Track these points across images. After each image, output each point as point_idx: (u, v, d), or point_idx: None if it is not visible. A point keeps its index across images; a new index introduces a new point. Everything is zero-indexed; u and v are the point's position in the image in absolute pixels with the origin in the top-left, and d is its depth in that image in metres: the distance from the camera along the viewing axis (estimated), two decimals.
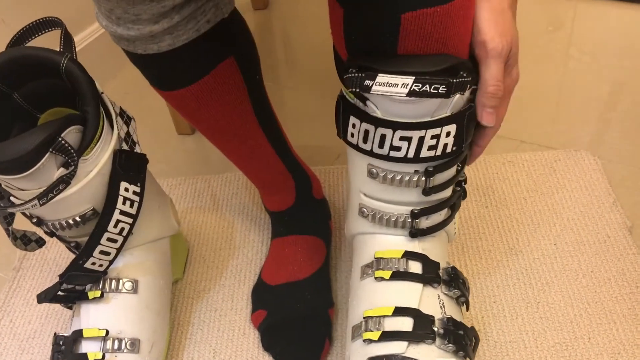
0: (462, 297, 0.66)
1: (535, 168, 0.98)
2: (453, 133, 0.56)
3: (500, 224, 0.91)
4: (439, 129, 0.55)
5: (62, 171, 0.62)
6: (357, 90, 0.52)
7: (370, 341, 0.62)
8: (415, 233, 0.64)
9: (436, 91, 0.51)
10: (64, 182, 0.61)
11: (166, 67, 0.66)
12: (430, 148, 0.56)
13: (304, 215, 0.85)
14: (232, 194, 1.02)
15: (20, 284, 0.93)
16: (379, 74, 0.51)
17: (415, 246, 0.64)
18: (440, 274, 0.64)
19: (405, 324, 0.61)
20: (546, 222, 0.90)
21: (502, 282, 0.83)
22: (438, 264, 0.64)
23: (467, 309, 0.69)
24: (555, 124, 1.08)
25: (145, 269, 0.76)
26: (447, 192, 0.63)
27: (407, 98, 0.51)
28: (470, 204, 0.94)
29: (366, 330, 0.62)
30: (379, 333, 0.61)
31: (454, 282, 0.65)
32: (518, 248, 0.87)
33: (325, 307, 0.80)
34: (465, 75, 0.52)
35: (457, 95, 0.54)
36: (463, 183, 0.68)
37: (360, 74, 0.51)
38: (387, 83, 0.51)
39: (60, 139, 0.60)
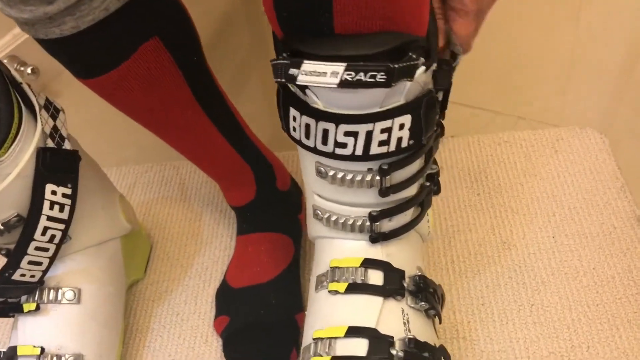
0: (431, 309, 0.57)
1: (534, 149, 0.88)
2: (408, 125, 0.46)
3: (493, 214, 0.81)
4: (390, 121, 0.46)
5: None
6: (283, 80, 0.43)
7: None
8: (377, 237, 0.55)
9: (373, 80, 0.41)
10: None
11: (76, 53, 0.57)
12: (382, 143, 0.47)
13: (267, 211, 0.76)
14: (201, 183, 0.93)
15: None
16: (305, 62, 0.41)
17: (378, 252, 0.56)
18: (406, 284, 0.56)
19: (359, 347, 0.53)
20: (544, 211, 0.80)
21: (492, 282, 0.75)
22: (403, 272, 0.56)
23: (440, 322, 0.60)
24: (559, 97, 0.97)
25: (90, 275, 0.69)
26: (411, 191, 0.54)
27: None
28: (460, 191, 0.85)
29: (315, 354, 0.54)
30: (329, 358, 0.53)
31: (422, 293, 0.56)
32: (512, 242, 0.78)
33: (293, 312, 0.72)
34: (414, 57, 0.43)
35: (411, 82, 0.44)
36: (436, 176, 0.59)
37: (285, 61, 0.42)
38: (315, 72, 0.41)
39: None
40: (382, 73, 0.41)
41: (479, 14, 0.50)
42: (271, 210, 0.77)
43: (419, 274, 0.57)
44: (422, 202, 0.56)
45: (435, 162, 0.59)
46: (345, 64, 0.41)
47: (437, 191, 0.60)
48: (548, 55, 1.04)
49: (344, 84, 0.42)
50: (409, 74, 0.43)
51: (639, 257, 0.74)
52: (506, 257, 0.77)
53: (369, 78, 0.41)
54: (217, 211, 0.89)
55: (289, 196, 0.79)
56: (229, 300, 0.75)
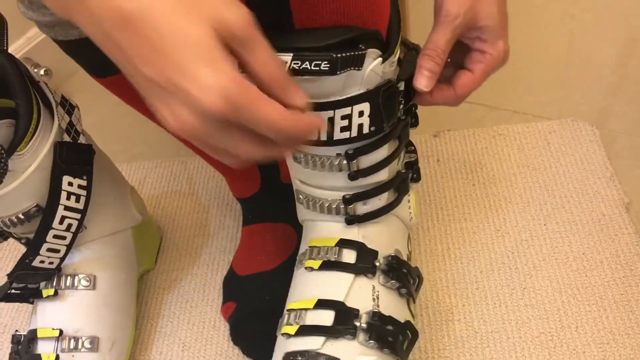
0: (402, 288, 0.61)
1: (527, 141, 0.92)
2: (367, 112, 0.50)
3: (487, 203, 0.85)
4: (349, 108, 0.50)
5: None
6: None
7: (289, 335, 0.58)
8: (352, 219, 0.59)
9: (317, 68, 0.46)
10: None
11: (93, 53, 0.61)
12: (343, 129, 0.51)
13: (271, 202, 0.80)
14: (208, 177, 0.97)
15: None
16: None
17: (354, 234, 0.60)
18: (378, 264, 0.59)
19: (326, 317, 0.57)
20: (537, 200, 0.84)
21: (486, 267, 0.78)
22: (376, 252, 0.60)
23: (414, 302, 0.64)
24: (552, 91, 1.00)
25: (104, 263, 0.73)
26: (382, 175, 0.57)
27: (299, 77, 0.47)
28: (456, 182, 0.88)
29: (287, 324, 0.59)
30: (297, 327, 0.58)
31: (394, 272, 0.60)
32: (505, 229, 0.82)
33: None
34: (362, 47, 0.46)
35: (368, 70, 0.48)
36: (414, 164, 0.62)
37: None
38: None
39: None
40: (326, 62, 0.46)
41: (481, 73, 0.55)
42: (275, 202, 0.81)
43: (393, 254, 0.61)
44: (398, 188, 0.60)
45: (414, 151, 0.63)
46: (292, 54, 0.45)
47: (417, 179, 0.63)
48: (543, 51, 1.08)
49: (292, 73, 0.46)
50: (355, 63, 0.47)
51: (626, 243, 0.77)
52: (500, 243, 0.80)
53: (314, 67, 0.46)
54: (223, 204, 0.93)
55: (292, 188, 0.83)
56: (235, 287, 0.79)
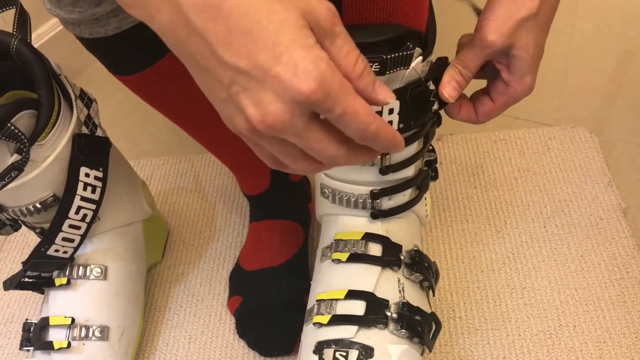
0: (425, 281, 0.63)
1: (528, 146, 0.94)
2: (397, 110, 0.52)
3: (489, 206, 0.87)
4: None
5: (15, 157, 0.60)
6: None
7: (320, 325, 0.60)
8: (377, 214, 0.61)
9: None
10: (16, 169, 0.59)
11: (117, 51, 0.63)
12: None
13: (280, 199, 0.82)
14: (215, 175, 0.99)
15: (1, 267, 0.92)
16: None
17: (378, 228, 0.62)
18: (402, 257, 0.62)
19: (357, 307, 0.59)
20: (537, 203, 0.86)
21: (487, 267, 0.80)
22: (400, 246, 0.62)
23: (433, 294, 0.66)
24: (553, 99, 1.03)
25: (115, 254, 0.75)
26: (409, 171, 0.59)
27: None
28: (458, 184, 0.90)
29: (317, 313, 0.60)
30: (329, 316, 0.59)
31: (417, 265, 0.62)
32: (506, 231, 0.84)
33: (302, 293, 0.77)
34: (411, 46, 0.49)
35: (410, 67, 0.50)
36: (434, 163, 0.64)
37: None
38: None
39: (9, 124, 0.58)
40: (377, 63, 0.47)
41: (503, 102, 0.56)
42: (283, 199, 0.83)
43: (415, 249, 0.63)
44: (420, 184, 0.62)
45: (433, 150, 0.65)
46: None
47: (435, 177, 0.65)
48: (544, 60, 1.10)
49: None
50: (404, 62, 0.49)
51: (623, 246, 0.79)
52: (500, 245, 0.82)
53: None
54: (229, 201, 0.95)
55: (300, 186, 0.85)
56: (241, 282, 0.81)
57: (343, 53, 0.38)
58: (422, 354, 0.62)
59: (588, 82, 1.05)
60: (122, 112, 1.15)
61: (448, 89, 0.54)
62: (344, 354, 0.58)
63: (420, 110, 0.55)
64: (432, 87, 0.55)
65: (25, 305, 0.86)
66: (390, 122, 0.53)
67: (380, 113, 0.52)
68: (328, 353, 0.59)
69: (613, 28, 1.14)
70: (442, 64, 0.56)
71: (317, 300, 0.61)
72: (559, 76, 1.07)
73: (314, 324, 0.61)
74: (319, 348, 0.60)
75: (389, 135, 0.40)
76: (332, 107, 0.36)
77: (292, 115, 0.36)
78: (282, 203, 0.82)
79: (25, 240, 0.95)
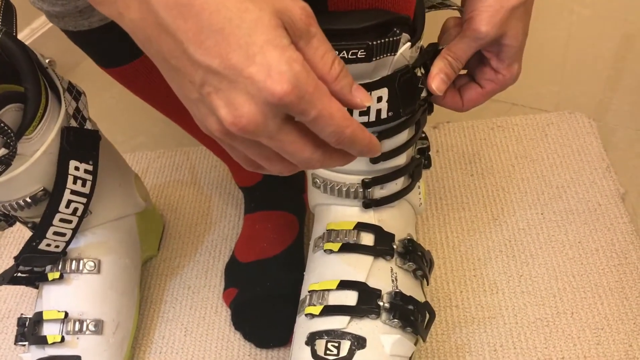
0: (418, 270, 0.62)
1: (525, 133, 0.93)
2: (385, 98, 0.51)
3: (485, 193, 0.86)
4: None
5: (2, 152, 0.59)
6: None
7: (312, 316, 0.59)
8: (369, 203, 0.60)
9: (354, 57, 0.47)
10: (3, 163, 0.59)
11: (103, 43, 0.62)
12: (362, 114, 0.52)
13: (274, 190, 0.82)
14: (210, 167, 0.99)
15: None
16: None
17: (371, 217, 0.61)
18: (395, 246, 0.61)
19: (349, 297, 0.59)
20: (534, 190, 0.85)
21: (483, 255, 0.80)
22: (393, 235, 0.61)
23: (428, 283, 0.66)
24: (551, 84, 1.02)
25: (109, 248, 0.74)
26: (400, 160, 0.59)
27: None
28: (455, 172, 0.90)
29: (310, 304, 0.60)
30: (321, 307, 0.59)
31: (410, 254, 0.61)
32: (502, 218, 0.83)
33: (297, 284, 0.76)
34: (398, 32, 0.48)
35: (398, 54, 0.49)
36: (427, 151, 0.64)
37: None
38: None
39: None
40: (362, 50, 0.47)
41: (490, 90, 0.56)
42: (277, 190, 0.82)
43: (409, 237, 0.62)
44: (412, 173, 0.61)
45: (426, 138, 0.64)
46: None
47: (428, 165, 0.65)
48: (542, 45, 1.09)
49: None
50: (391, 49, 0.48)
51: (621, 232, 0.79)
52: (497, 232, 0.82)
53: (351, 55, 0.47)
54: (225, 193, 0.94)
55: (294, 177, 0.84)
56: (237, 273, 0.80)
57: (319, 55, 0.37)
58: (415, 344, 0.62)
59: (587, 67, 1.03)
60: (118, 105, 1.14)
61: (437, 81, 0.53)
62: (336, 344, 0.58)
63: (409, 97, 0.54)
64: (419, 73, 0.54)
65: (22, 300, 0.86)
66: (379, 110, 0.52)
67: None
68: (320, 344, 0.58)
69: (612, 12, 1.13)
70: (432, 50, 0.55)
71: (309, 291, 0.61)
72: (557, 61, 1.06)
73: (306, 315, 0.60)
74: (311, 339, 0.59)
75: (365, 140, 0.39)
76: (306, 110, 0.35)
77: (265, 117, 0.35)
78: (276, 194, 0.82)
79: (22, 235, 0.95)
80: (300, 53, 0.35)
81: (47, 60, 1.16)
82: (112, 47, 0.63)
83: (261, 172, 0.42)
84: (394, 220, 0.62)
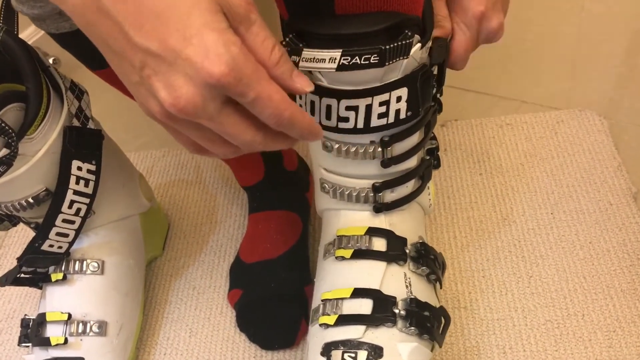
0: (432, 274, 0.61)
1: (535, 131, 0.91)
2: (405, 97, 0.50)
3: (494, 192, 0.85)
4: (387, 94, 0.49)
5: (4, 152, 0.59)
6: None
7: (327, 326, 0.58)
8: (380, 207, 0.59)
9: (367, 62, 0.46)
10: (4, 163, 0.58)
11: (86, 45, 0.61)
12: (381, 116, 0.51)
13: (276, 190, 0.81)
14: (215, 166, 0.98)
15: (2, 263, 0.91)
16: (304, 50, 0.46)
17: (382, 221, 0.60)
18: (408, 251, 0.59)
19: (364, 306, 0.57)
20: (544, 189, 0.84)
21: (492, 255, 0.78)
22: (405, 239, 0.60)
23: (441, 287, 0.64)
24: (561, 81, 1.00)
25: (112, 249, 0.73)
26: (412, 162, 0.57)
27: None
28: (463, 171, 0.88)
29: (323, 314, 0.58)
30: (336, 317, 0.57)
31: (423, 258, 0.60)
32: (512, 218, 0.82)
33: (302, 284, 0.76)
34: (409, 34, 0.46)
35: (406, 59, 0.48)
36: (435, 151, 0.62)
37: (287, 48, 0.46)
38: (314, 58, 0.46)
39: None
40: (375, 55, 0.46)
41: (479, 34, 0.54)
42: (280, 189, 0.81)
43: (421, 241, 0.61)
44: (422, 174, 0.60)
45: (434, 138, 0.63)
46: (341, 50, 0.45)
47: (437, 165, 0.63)
48: (552, 41, 1.07)
49: (341, 68, 0.46)
50: (403, 52, 0.47)
51: (633, 232, 0.77)
52: (506, 232, 0.80)
53: (364, 61, 0.46)
54: (230, 192, 0.93)
55: (297, 175, 0.83)
56: (242, 274, 0.79)
57: (259, 40, 0.37)
58: (432, 350, 0.60)
59: (598, 65, 1.02)
60: (122, 103, 1.12)
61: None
62: (353, 355, 0.56)
63: (428, 96, 0.53)
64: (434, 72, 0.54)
65: (26, 301, 0.86)
66: (398, 110, 0.51)
67: (388, 102, 0.50)
68: (336, 355, 0.57)
69: (624, 8, 1.11)
70: (443, 45, 0.54)
71: (322, 300, 0.59)
72: (568, 58, 1.04)
73: (320, 324, 0.59)
74: (327, 350, 0.58)
75: (304, 123, 0.39)
76: (244, 92, 0.36)
77: (203, 98, 0.36)
78: (278, 193, 0.81)
79: (26, 235, 0.94)
80: (240, 38, 0.36)
81: (51, 59, 1.16)
82: (96, 48, 0.62)
83: (207, 156, 0.42)
84: (404, 223, 0.60)
